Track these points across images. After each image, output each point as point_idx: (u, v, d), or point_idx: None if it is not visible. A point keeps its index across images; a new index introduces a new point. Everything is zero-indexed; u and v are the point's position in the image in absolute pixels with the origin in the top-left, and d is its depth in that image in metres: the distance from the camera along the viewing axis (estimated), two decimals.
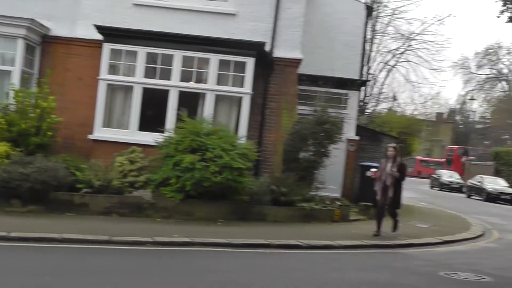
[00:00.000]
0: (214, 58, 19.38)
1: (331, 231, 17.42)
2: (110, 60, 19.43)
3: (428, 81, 62.29)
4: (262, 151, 19.52)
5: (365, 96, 49.36)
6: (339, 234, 16.86)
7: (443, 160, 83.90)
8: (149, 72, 19.44)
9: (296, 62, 20.82)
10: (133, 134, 19.16)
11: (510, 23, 17.71)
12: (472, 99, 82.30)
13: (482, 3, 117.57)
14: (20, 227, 13.69)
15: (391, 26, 52.96)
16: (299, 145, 20.16)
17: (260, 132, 20.40)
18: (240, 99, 19.66)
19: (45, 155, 17.23)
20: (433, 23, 57.74)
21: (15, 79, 19.19)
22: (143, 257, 12.57)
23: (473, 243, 18.91)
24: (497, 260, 16.25)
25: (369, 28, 40.49)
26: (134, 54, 19.37)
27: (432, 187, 59.81)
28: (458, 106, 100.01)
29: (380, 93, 56.61)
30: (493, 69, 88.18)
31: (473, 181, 50.44)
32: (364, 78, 34.28)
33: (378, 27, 52.01)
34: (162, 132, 18.31)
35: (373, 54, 52.80)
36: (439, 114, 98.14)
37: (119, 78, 19.55)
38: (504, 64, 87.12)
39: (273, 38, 20.49)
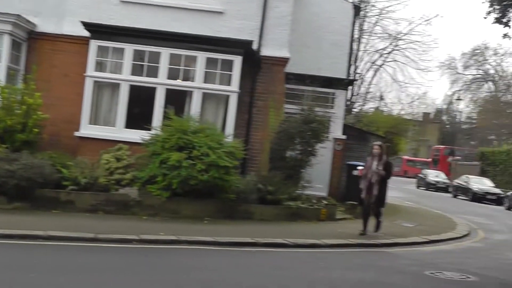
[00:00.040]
0: (202, 56, 19.34)
1: (317, 230, 17.43)
2: (97, 57, 19.35)
3: (415, 81, 62.68)
4: (249, 149, 19.49)
5: (352, 95, 49.41)
6: (326, 233, 16.87)
7: (429, 160, 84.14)
8: (136, 70, 19.38)
9: (284, 61, 20.81)
10: (119, 132, 19.09)
11: (496, 24, 17.73)
12: (458, 99, 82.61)
13: (469, 4, 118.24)
14: (5, 224, 13.59)
15: (378, 25, 53.07)
16: (286, 144, 20.17)
17: (247, 131, 20.38)
18: (227, 97, 19.62)
19: (31, 152, 17.12)
20: (420, 23, 58.06)
21: (1, 75, 19.06)
22: (129, 255, 12.53)
23: (459, 243, 18.99)
24: (482, 260, 16.30)
25: (356, 27, 40.48)
26: (121, 51, 19.30)
27: (418, 186, 59.95)
28: (444, 106, 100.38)
29: (367, 92, 56.70)
30: (479, 69, 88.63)
31: (459, 181, 50.61)
32: (351, 78, 34.35)
33: (365, 26, 52.07)
34: (149, 129, 18.25)
35: (360, 53, 52.89)
36: (426, 114, 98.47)
37: (106, 75, 19.46)
38: (490, 65, 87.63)
39: (261, 36, 20.46)
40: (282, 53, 20.69)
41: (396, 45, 54.88)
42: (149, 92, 19.23)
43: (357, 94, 53.26)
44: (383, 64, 56.16)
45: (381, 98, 61.02)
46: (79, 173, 16.99)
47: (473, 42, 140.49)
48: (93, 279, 9.95)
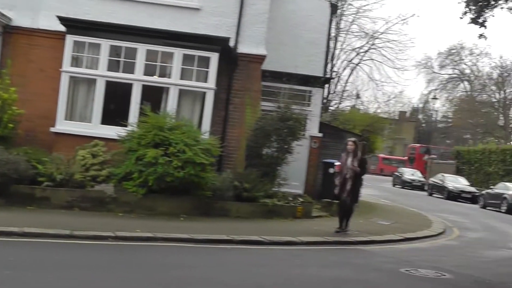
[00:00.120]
0: (178, 53, 19.29)
1: (293, 227, 17.46)
2: (73, 52, 19.22)
3: (392, 80, 62.66)
4: (225, 146, 19.47)
5: (329, 93, 49.46)
6: (302, 230, 16.90)
7: (405, 158, 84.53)
8: (113, 65, 19.29)
9: (260, 58, 20.81)
10: (95, 128, 19.00)
11: (472, 24, 17.84)
12: (434, 98, 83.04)
13: (446, 4, 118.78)
14: None
15: (355, 24, 53.20)
16: (262, 141, 20.17)
17: (223, 128, 20.38)
18: (203, 94, 19.59)
19: (6, 147, 16.98)
20: (397, 23, 57.89)
21: None
22: (105, 252, 12.46)
23: (434, 241, 19.12)
24: (457, 258, 16.43)
25: (333, 26, 40.55)
26: (97, 46, 19.19)
27: (394, 185, 60.20)
28: (420, 105, 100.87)
29: (344, 90, 56.83)
30: (455, 69, 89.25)
31: (435, 179, 50.98)
32: (328, 76, 34.34)
33: (342, 25, 52.12)
34: (125, 126, 18.20)
35: (337, 52, 52.95)
36: (402, 113, 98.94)
37: (82, 70, 19.34)
38: (466, 65, 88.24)
39: (238, 33, 20.47)
40: (259, 50, 20.70)
41: (373, 44, 55.07)
42: (126, 88, 19.16)
43: (334, 92, 53.40)
44: (359, 63, 56.33)
45: (358, 96, 61.24)
46: (54, 169, 16.86)
47: (449, 42, 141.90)
48: (71, 276, 9.88)
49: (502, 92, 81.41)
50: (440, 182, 48.93)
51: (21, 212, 15.42)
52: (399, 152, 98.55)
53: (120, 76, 19.24)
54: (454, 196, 45.95)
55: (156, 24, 19.59)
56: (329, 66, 43.45)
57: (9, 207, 15.76)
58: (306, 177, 24.16)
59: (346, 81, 56.86)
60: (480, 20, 17.65)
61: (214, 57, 19.43)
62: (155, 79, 19.41)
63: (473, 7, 17.56)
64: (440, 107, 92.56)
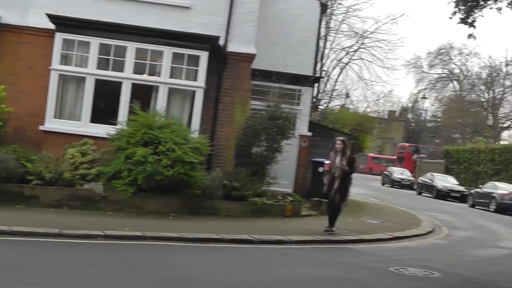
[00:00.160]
0: (168, 51, 19.26)
1: (282, 226, 17.47)
2: (62, 50, 19.15)
3: (381, 79, 62.51)
4: (214, 145, 19.46)
5: (318, 92, 49.52)
6: (291, 229, 16.91)
7: (394, 157, 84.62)
8: (102, 64, 19.23)
9: (250, 57, 20.82)
10: (85, 126, 18.93)
11: (462, 24, 17.89)
12: (424, 98, 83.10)
13: (435, 4, 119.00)
14: None
15: (345, 23, 53.22)
16: (252, 140, 20.16)
17: (213, 126, 20.37)
18: (193, 92, 19.56)
19: None
20: (386, 22, 57.94)
21: None
22: (95, 251, 12.42)
23: (423, 239, 19.18)
24: (445, 256, 16.49)
25: (323, 25, 40.52)
26: (87, 44, 19.13)
27: (383, 184, 60.36)
28: (410, 105, 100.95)
29: (333, 90, 56.82)
30: (444, 69, 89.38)
31: (424, 178, 51.08)
32: (317, 75, 34.43)
33: (332, 24, 52.16)
34: (115, 124, 18.14)
35: (327, 51, 52.97)
36: (391, 112, 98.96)
37: (71, 68, 19.27)
38: (455, 64, 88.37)
39: (227, 32, 20.47)
40: (249, 49, 20.71)
41: (363, 43, 55.09)
42: (115, 87, 19.11)
43: (323, 92, 53.42)
44: (349, 62, 56.35)
45: (347, 95, 61.22)
46: (43, 168, 16.82)
47: (438, 42, 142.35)
48: (60, 275, 9.85)
49: (491, 91, 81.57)
50: (429, 181, 49.03)
51: (10, 210, 15.36)
52: (388, 151, 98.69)
53: (109, 74, 19.19)
54: (443, 195, 46.07)
55: (146, 22, 19.54)
56: (318, 65, 43.52)
57: None
58: (296, 176, 24.21)
59: (336, 80, 56.96)
60: (469, 20, 17.70)
61: (203, 56, 19.41)
62: (145, 78, 19.38)
63: (463, 7, 17.61)
64: (429, 106, 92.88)
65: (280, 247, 14.87)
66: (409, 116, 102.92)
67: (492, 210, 37.93)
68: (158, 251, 12.92)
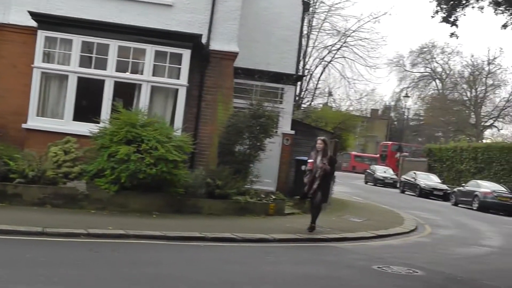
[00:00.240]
0: (150, 49, 19.23)
1: (266, 224, 17.46)
2: (44, 48, 19.07)
3: (364, 78, 63.01)
4: (197, 143, 19.44)
5: (301, 91, 49.63)
6: (274, 227, 16.91)
7: (377, 155, 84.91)
8: (85, 61, 19.17)
9: (233, 55, 20.82)
10: (67, 124, 18.88)
11: (444, 23, 17.97)
12: (406, 96, 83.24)
13: (418, 3, 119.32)
14: None
15: (327, 22, 53.35)
16: (235, 139, 20.18)
17: (195, 125, 20.36)
18: (176, 91, 19.55)
19: None
20: (369, 21, 58.09)
21: None
22: (78, 249, 12.37)
23: (406, 238, 19.24)
24: (428, 254, 16.55)
25: (305, 23, 40.58)
26: (69, 42, 19.07)
27: (366, 182, 60.49)
28: (392, 103, 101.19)
29: (316, 88, 56.90)
30: (427, 67, 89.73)
31: (407, 177, 51.24)
32: (300, 73, 34.46)
33: (314, 22, 52.28)
34: (97, 122, 18.07)
35: (309, 49, 53.09)
36: (374, 111, 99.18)
37: (53, 66, 19.19)
38: (438, 63, 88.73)
39: (210, 30, 20.48)
40: (231, 47, 20.70)
41: (345, 42, 55.18)
42: (98, 85, 19.05)
43: (306, 90, 53.51)
44: (331, 61, 56.41)
45: (330, 94, 61.47)
46: (26, 166, 16.75)
47: (421, 40, 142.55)
48: (42, 274, 9.79)
49: (473, 90, 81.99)
50: (412, 180, 49.21)
51: None
52: (371, 149, 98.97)
53: (92, 72, 19.13)
54: (426, 193, 46.21)
55: (128, 20, 19.51)
56: (301, 63, 43.61)
57: None
58: (279, 174, 24.21)
59: (318, 79, 57.03)
60: (452, 19, 17.80)
61: (186, 54, 19.39)
62: (127, 76, 19.34)
63: (445, 6, 17.70)
64: (412, 105, 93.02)
65: (263, 245, 14.85)
66: (392, 114, 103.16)
67: (475, 208, 38.14)
68: (141, 250, 12.89)
